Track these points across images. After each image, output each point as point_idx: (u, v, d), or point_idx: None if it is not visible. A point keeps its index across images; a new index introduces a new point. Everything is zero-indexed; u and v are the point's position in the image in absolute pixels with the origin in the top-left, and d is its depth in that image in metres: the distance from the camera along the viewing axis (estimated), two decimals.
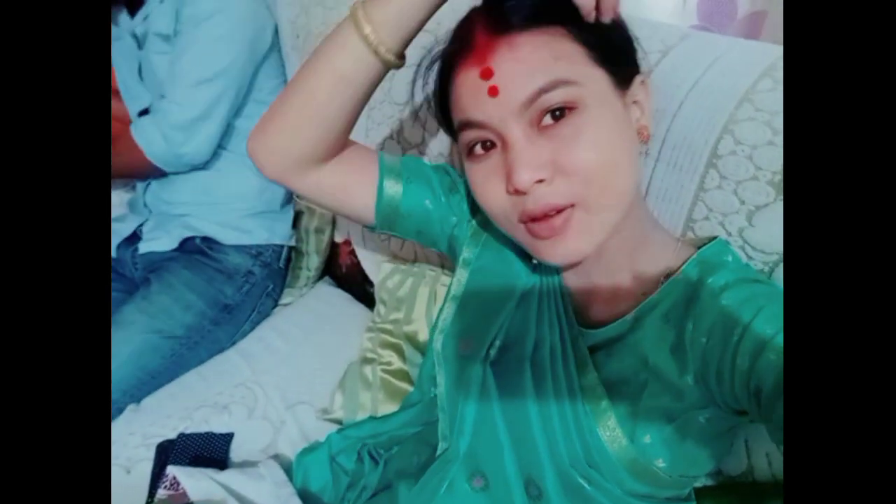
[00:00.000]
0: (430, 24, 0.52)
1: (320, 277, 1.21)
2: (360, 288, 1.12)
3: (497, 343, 0.59)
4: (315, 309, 1.12)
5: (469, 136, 0.50)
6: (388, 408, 0.85)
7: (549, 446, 0.53)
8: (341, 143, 0.59)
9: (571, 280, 0.58)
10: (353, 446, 0.76)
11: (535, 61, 0.46)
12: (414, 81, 0.58)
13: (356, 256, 1.08)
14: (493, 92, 0.46)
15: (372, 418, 0.83)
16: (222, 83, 0.98)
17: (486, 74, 0.46)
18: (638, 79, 0.51)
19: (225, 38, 0.97)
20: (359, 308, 1.11)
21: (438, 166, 0.67)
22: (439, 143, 0.85)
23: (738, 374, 0.45)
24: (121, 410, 0.91)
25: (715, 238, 0.54)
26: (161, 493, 0.72)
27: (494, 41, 0.46)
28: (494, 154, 0.49)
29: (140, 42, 1.05)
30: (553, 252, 0.49)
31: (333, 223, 1.14)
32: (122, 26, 1.08)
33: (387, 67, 0.53)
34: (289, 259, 1.16)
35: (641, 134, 0.52)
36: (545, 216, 0.47)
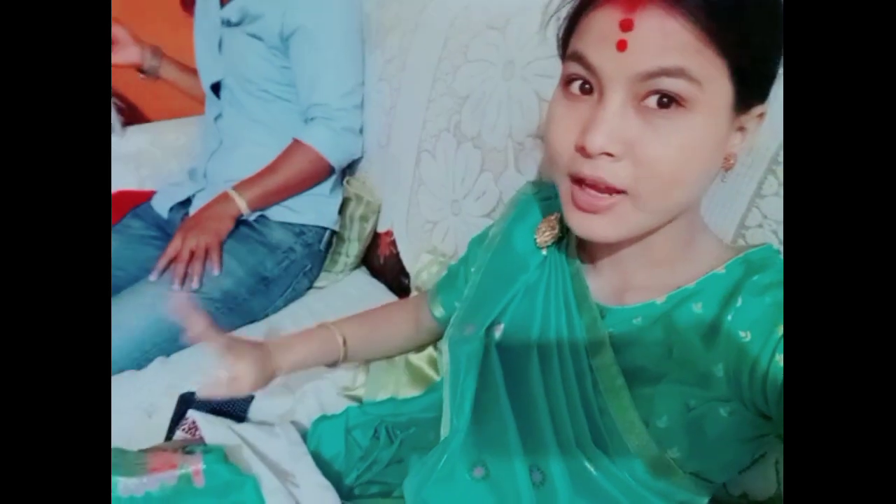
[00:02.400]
0: None
1: (357, 266, 1.23)
2: (395, 279, 1.13)
3: (502, 326, 0.58)
4: (348, 294, 1.14)
5: (573, 68, 0.47)
6: (411, 392, 0.84)
7: (553, 427, 0.52)
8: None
9: (605, 262, 0.57)
10: (371, 422, 0.76)
11: (676, 41, 0.42)
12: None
13: (396, 247, 1.09)
14: (622, 46, 0.43)
15: (393, 399, 0.82)
16: (360, 87, 1.14)
17: (626, 26, 0.43)
18: (757, 109, 0.48)
19: (354, 47, 1.13)
20: (391, 298, 1.11)
21: (458, 269, 0.76)
22: (494, 137, 0.86)
23: (773, 372, 0.44)
24: (149, 360, 0.93)
25: (765, 244, 0.53)
26: (179, 433, 0.73)
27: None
28: (586, 101, 0.47)
29: (229, 22, 1.11)
30: (580, 223, 0.49)
31: (378, 212, 1.16)
32: (212, 4, 1.14)
33: None
34: (330, 243, 1.18)
35: (727, 160, 0.49)
36: (594, 186, 0.46)
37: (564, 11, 0.49)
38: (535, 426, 0.53)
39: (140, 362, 0.93)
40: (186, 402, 0.84)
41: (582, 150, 0.45)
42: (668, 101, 0.43)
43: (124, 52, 1.21)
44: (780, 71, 0.46)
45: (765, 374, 0.44)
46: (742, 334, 0.46)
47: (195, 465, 0.61)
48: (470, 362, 0.58)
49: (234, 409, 0.83)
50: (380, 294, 1.15)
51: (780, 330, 0.45)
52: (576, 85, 0.47)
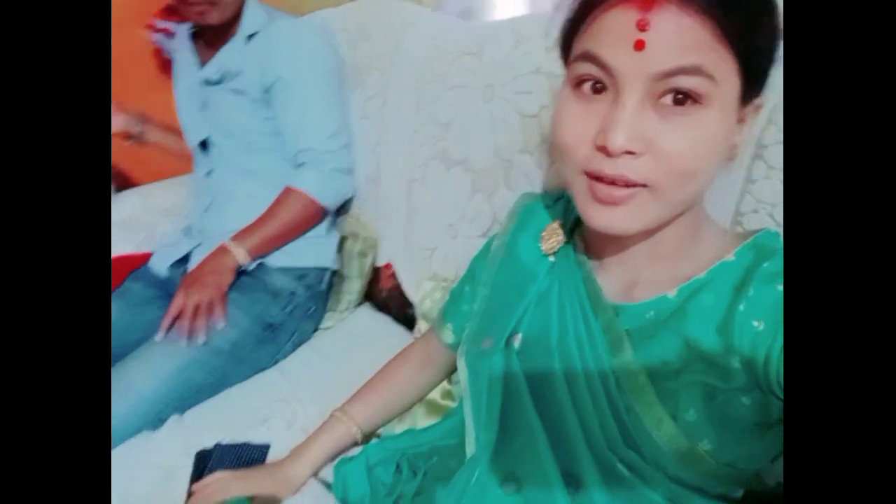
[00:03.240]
0: None
1: (361, 303, 1.23)
2: (399, 311, 1.13)
3: (520, 336, 0.58)
4: (355, 331, 1.13)
5: (586, 69, 0.47)
6: (428, 423, 0.83)
7: (583, 432, 0.51)
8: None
9: (613, 260, 0.58)
10: (392, 457, 0.75)
11: (692, 39, 0.43)
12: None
13: (397, 279, 1.09)
14: (640, 46, 0.43)
15: (411, 430, 0.81)
16: (344, 128, 1.15)
17: (643, 26, 0.43)
18: (756, 100, 0.49)
19: (333, 90, 1.14)
20: (398, 329, 1.11)
21: (462, 289, 0.76)
22: (481, 159, 0.87)
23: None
24: (163, 420, 0.92)
25: (764, 229, 0.53)
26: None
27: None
28: (600, 101, 0.47)
29: (209, 82, 1.14)
30: (598, 217, 0.49)
31: (376, 247, 1.17)
32: (191, 67, 1.16)
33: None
34: (332, 283, 1.18)
35: (731, 151, 0.50)
36: (614, 183, 0.47)
37: (566, 14, 0.49)
38: (564, 433, 0.53)
39: (154, 423, 0.92)
40: (203, 459, 0.83)
41: (603, 150, 0.46)
42: (683, 97, 0.44)
43: (114, 121, 1.23)
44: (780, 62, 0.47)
45: (779, 362, 0.44)
46: (755, 324, 0.46)
47: None
48: (493, 376, 0.58)
49: (250, 463, 0.82)
50: (386, 327, 1.14)
51: None
52: (588, 85, 0.47)
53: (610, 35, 0.45)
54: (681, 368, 0.49)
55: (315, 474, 0.75)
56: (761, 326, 0.46)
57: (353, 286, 1.18)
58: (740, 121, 0.49)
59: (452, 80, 0.91)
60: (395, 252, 1.09)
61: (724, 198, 0.59)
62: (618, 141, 0.44)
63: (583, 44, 0.47)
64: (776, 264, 0.48)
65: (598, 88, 0.47)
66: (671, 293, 0.52)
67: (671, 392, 0.49)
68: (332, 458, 0.77)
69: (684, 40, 0.43)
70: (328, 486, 0.75)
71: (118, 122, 1.24)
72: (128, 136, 1.27)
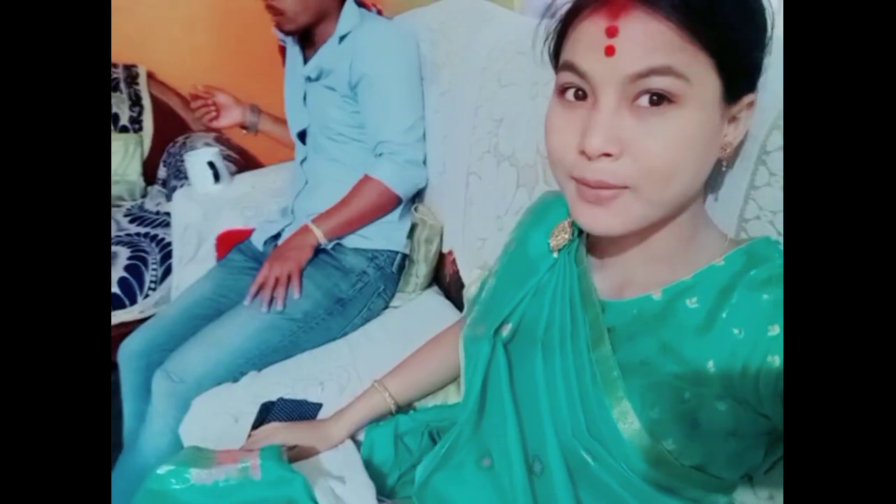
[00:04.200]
0: None
1: (429, 286, 1.31)
2: (459, 296, 1.19)
3: (510, 325, 0.61)
4: (419, 312, 1.22)
5: (567, 77, 0.50)
6: (459, 399, 0.89)
7: (552, 417, 0.54)
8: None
9: (610, 260, 0.59)
10: (419, 428, 0.82)
11: (660, 42, 0.44)
12: (542, 17, 0.57)
13: (457, 265, 1.15)
14: (610, 51, 0.45)
15: (442, 405, 0.88)
16: (420, 122, 1.25)
17: (612, 32, 0.45)
18: (747, 98, 0.49)
19: (412, 87, 1.24)
20: (457, 314, 1.17)
21: (487, 279, 0.77)
22: (525, 155, 0.90)
23: (765, 372, 0.44)
24: (243, 374, 1.07)
25: (763, 236, 0.52)
26: None
27: (632, 5, 0.45)
28: (581, 107, 0.49)
29: (309, 79, 1.28)
30: (587, 217, 0.51)
31: (441, 234, 1.23)
32: (297, 65, 1.31)
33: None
34: (402, 266, 1.27)
35: (724, 150, 0.51)
36: (597, 188, 0.49)
37: (553, 27, 0.53)
38: (534, 418, 0.56)
39: (236, 376, 1.08)
40: (266, 409, 0.96)
41: (584, 154, 0.48)
42: (658, 98, 0.46)
43: (229, 115, 1.42)
44: (780, 63, 0.46)
45: (756, 373, 0.44)
46: (735, 331, 0.47)
47: (253, 460, 0.71)
48: (478, 360, 0.62)
49: (304, 416, 0.94)
50: (449, 311, 1.21)
51: (775, 329, 0.44)
52: (570, 93, 0.50)
53: (583, 44, 0.48)
54: (654, 368, 0.50)
55: (352, 436, 0.84)
56: (741, 335, 0.46)
57: (420, 270, 1.27)
58: (732, 119, 0.49)
59: (507, 77, 0.94)
60: (456, 240, 1.15)
61: (728, 203, 0.58)
62: (594, 143, 0.46)
63: (564, 55, 0.50)
64: (764, 272, 0.48)
65: (580, 95, 0.49)
66: (656, 294, 0.53)
67: (640, 389, 0.50)
68: (368, 423, 0.86)
69: (653, 43, 0.44)
70: (360, 445, 0.84)
71: (236, 115, 1.42)
72: (244, 126, 1.45)
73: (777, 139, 0.53)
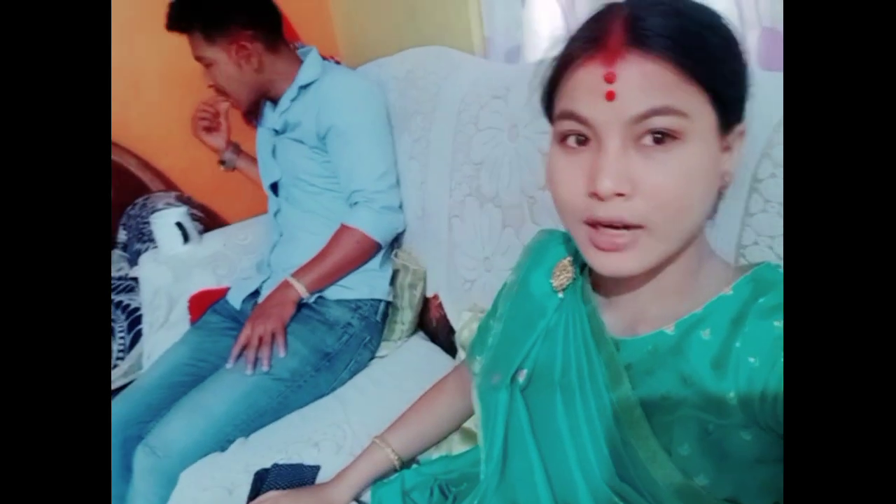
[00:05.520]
0: None
1: (414, 332, 1.29)
2: (447, 340, 1.18)
3: (525, 371, 0.60)
4: (407, 360, 1.19)
5: (568, 125, 0.50)
6: (463, 449, 0.87)
7: (579, 463, 0.53)
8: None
9: (619, 297, 0.59)
10: (426, 482, 0.79)
11: (658, 82, 0.46)
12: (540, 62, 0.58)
13: (443, 309, 1.14)
14: (611, 96, 0.46)
15: (446, 456, 0.85)
16: (393, 168, 1.25)
17: (610, 78, 0.46)
18: (738, 128, 0.51)
19: (382, 134, 1.24)
20: (447, 359, 1.16)
21: (487, 323, 0.76)
22: (510, 195, 0.91)
23: (782, 397, 0.44)
24: (230, 442, 1.02)
25: (764, 262, 0.54)
26: None
27: (626, 50, 0.46)
28: (585, 151, 0.50)
29: (277, 131, 1.27)
30: (604, 263, 0.51)
31: (424, 279, 1.23)
32: (266, 117, 1.31)
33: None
34: (386, 314, 1.26)
35: (723, 178, 0.52)
36: (611, 226, 0.49)
37: (545, 77, 0.54)
38: (561, 465, 0.55)
39: (223, 444, 1.02)
40: (261, 478, 0.92)
41: (595, 196, 0.48)
42: (662, 136, 0.47)
43: (216, 138, 1.40)
44: (763, 93, 0.48)
45: (774, 399, 0.45)
46: (751, 360, 0.47)
47: None
48: (497, 410, 0.61)
49: (302, 482, 0.90)
50: (437, 356, 1.19)
51: None
52: (572, 139, 0.51)
53: (583, 91, 0.49)
54: (677, 403, 0.50)
55: (356, 498, 0.81)
56: (756, 363, 0.47)
57: (406, 317, 1.25)
58: (726, 149, 0.51)
59: (484, 121, 0.96)
60: (441, 284, 1.14)
61: (726, 231, 0.60)
62: (605, 184, 0.47)
63: (562, 103, 0.51)
64: (773, 299, 0.49)
65: (582, 140, 0.50)
66: (669, 328, 0.53)
67: (666, 426, 0.50)
68: (372, 482, 0.82)
69: (650, 84, 0.46)
70: None
71: (220, 142, 1.41)
72: (221, 161, 1.44)
73: (769, 167, 0.55)
